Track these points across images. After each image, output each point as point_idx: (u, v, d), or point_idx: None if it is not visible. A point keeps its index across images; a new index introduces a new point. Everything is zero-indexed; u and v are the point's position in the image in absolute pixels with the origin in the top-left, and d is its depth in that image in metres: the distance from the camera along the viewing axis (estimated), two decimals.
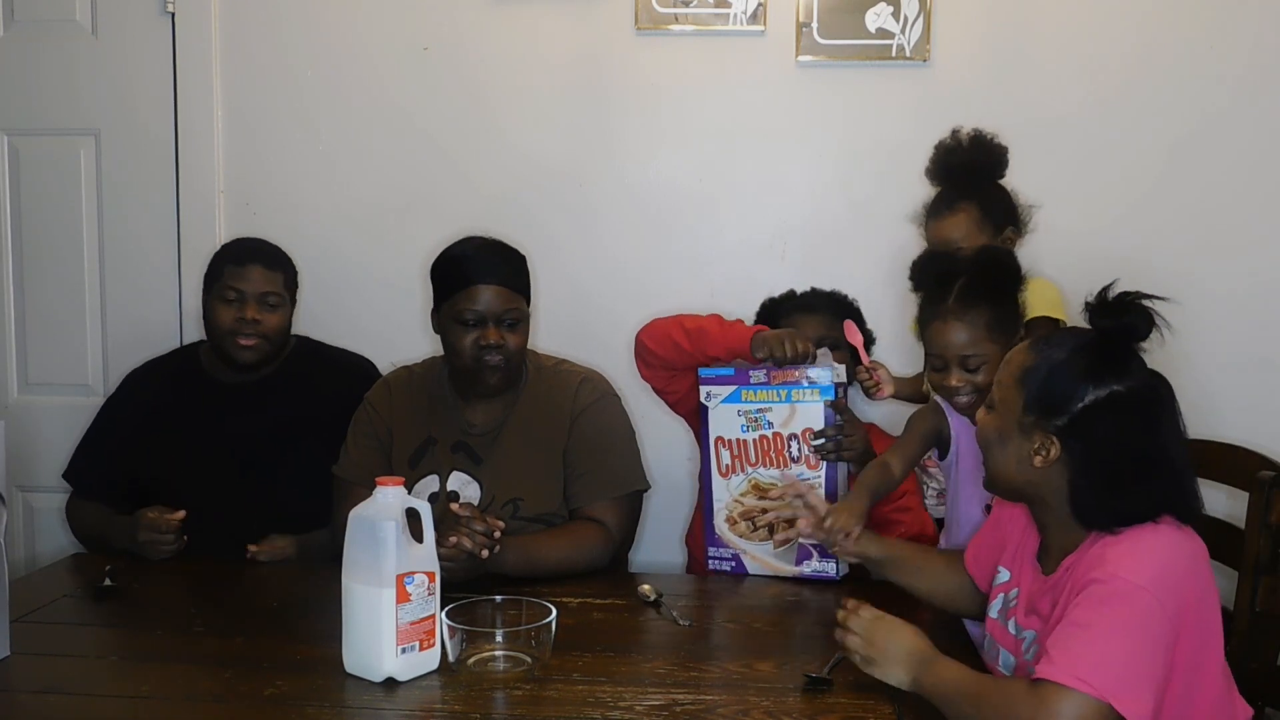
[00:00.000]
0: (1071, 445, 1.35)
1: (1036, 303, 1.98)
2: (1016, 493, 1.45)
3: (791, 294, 2.21)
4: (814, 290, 2.20)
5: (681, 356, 1.98)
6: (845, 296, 2.19)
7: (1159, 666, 1.26)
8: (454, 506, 1.79)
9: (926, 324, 1.74)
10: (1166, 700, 1.28)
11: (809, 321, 2.10)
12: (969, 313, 1.68)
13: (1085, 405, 1.33)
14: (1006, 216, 2.08)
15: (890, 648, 1.41)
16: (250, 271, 2.12)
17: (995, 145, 2.09)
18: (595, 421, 2.01)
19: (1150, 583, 1.27)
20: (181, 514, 1.93)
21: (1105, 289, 1.38)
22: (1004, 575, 1.52)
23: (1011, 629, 1.46)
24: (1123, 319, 1.35)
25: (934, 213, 2.10)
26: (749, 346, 1.90)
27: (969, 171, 2.08)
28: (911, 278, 1.81)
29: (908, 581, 1.68)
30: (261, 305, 2.11)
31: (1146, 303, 1.34)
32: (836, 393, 1.88)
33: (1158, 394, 1.36)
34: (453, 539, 1.68)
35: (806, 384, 1.88)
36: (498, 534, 1.74)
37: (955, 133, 2.11)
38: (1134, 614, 1.26)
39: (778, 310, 2.18)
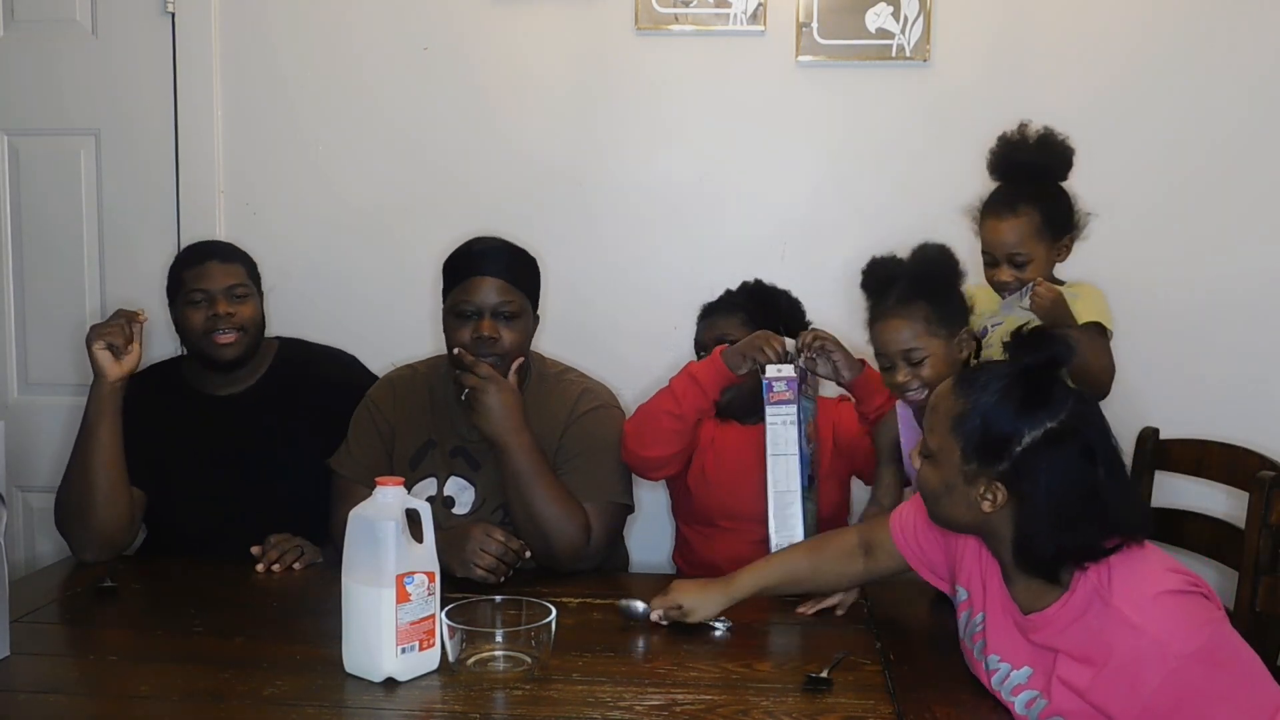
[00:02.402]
0: (1017, 488, 1.31)
1: (1089, 308, 1.90)
2: (971, 531, 1.43)
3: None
4: (728, 293, 2.16)
5: (685, 435, 1.97)
6: (759, 292, 2.14)
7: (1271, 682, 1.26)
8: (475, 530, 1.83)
9: (871, 325, 1.81)
10: None
11: (723, 324, 2.08)
12: (908, 309, 1.75)
13: (1024, 448, 1.30)
14: (1066, 224, 1.95)
15: (698, 599, 1.63)
16: (209, 269, 2.07)
17: (1063, 146, 1.94)
18: (588, 428, 1.98)
19: (1207, 628, 1.24)
20: (145, 318, 2.00)
21: (1020, 327, 1.37)
22: (963, 594, 1.50)
23: (977, 654, 1.45)
24: (1043, 350, 1.33)
25: (992, 211, 1.95)
26: (727, 369, 1.92)
27: (1032, 171, 1.94)
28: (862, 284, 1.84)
29: (806, 590, 1.73)
30: (230, 298, 2.06)
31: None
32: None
33: (1088, 419, 1.32)
34: (488, 562, 1.80)
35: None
36: (528, 554, 1.86)
37: (1023, 127, 1.95)
38: (1229, 673, 1.24)
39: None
